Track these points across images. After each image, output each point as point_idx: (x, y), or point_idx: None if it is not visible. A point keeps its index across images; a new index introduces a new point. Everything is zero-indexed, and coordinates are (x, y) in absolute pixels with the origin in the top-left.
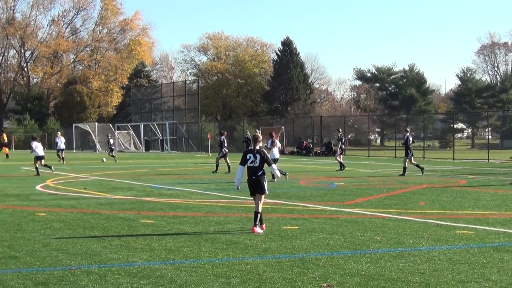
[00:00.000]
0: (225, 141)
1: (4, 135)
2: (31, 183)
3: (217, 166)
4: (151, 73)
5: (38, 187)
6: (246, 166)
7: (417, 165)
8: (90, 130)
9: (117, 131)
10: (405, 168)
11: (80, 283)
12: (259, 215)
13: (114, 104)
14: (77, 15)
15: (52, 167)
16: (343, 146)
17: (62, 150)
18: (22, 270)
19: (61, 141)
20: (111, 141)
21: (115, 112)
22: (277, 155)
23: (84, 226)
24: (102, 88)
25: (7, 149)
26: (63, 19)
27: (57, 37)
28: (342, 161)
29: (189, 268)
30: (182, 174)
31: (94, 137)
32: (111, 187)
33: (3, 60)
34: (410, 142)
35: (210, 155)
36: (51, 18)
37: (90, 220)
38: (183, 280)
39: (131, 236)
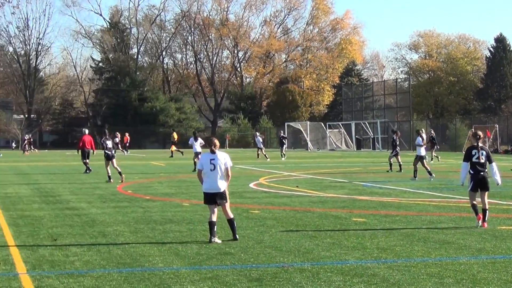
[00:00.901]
0: (398, 140)
1: (175, 134)
2: (245, 181)
3: (390, 165)
4: (362, 72)
5: (251, 185)
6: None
7: None
8: (302, 129)
9: (328, 130)
10: None
11: (294, 280)
12: (487, 212)
13: (326, 103)
14: (288, 15)
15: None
16: None
17: (261, 148)
18: (237, 266)
19: (258, 140)
20: (285, 135)
21: (326, 111)
22: (423, 153)
23: (296, 224)
24: (314, 87)
25: (174, 148)
26: (275, 19)
27: (269, 37)
28: None
29: (401, 267)
30: (393, 172)
31: (306, 136)
32: (323, 185)
33: (217, 60)
34: None
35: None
36: (263, 19)
37: (302, 218)
38: (395, 279)
39: (343, 234)
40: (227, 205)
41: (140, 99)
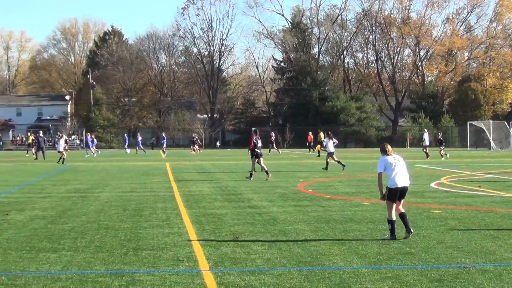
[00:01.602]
0: None
1: (321, 133)
2: (426, 181)
3: None
4: None
5: (432, 185)
6: None
7: None
8: (484, 128)
9: (511, 129)
10: None
11: (475, 281)
12: None
13: (509, 102)
14: (471, 12)
15: (342, 163)
16: None
17: (426, 146)
18: (417, 266)
19: (425, 138)
20: (442, 138)
21: (510, 110)
22: None
23: (478, 224)
24: (497, 85)
25: (319, 147)
26: (458, 17)
27: (452, 35)
28: None
29: None
30: None
31: (488, 135)
32: (506, 185)
33: (399, 59)
34: None
35: None
36: (445, 16)
37: (484, 218)
38: None
39: None
40: (402, 201)
41: (321, 99)
